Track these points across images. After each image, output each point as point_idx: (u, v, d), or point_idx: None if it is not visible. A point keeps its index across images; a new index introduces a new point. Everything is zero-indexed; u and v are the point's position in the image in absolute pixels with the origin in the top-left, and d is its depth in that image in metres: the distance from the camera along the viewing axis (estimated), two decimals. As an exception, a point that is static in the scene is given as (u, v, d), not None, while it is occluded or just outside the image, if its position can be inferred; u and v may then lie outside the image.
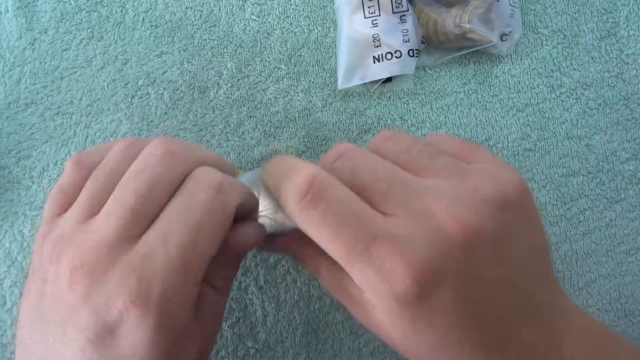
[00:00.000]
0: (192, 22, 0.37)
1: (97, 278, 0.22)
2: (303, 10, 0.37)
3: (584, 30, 0.37)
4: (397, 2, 0.35)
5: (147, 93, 0.36)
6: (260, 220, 0.27)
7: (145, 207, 0.23)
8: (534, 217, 0.25)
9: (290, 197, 0.23)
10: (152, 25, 0.37)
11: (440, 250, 0.22)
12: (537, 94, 0.37)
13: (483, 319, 0.23)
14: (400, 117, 0.37)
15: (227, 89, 0.37)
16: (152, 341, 0.22)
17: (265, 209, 0.27)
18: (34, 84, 0.36)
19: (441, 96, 0.37)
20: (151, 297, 0.21)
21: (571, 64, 0.37)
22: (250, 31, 0.37)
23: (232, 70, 0.37)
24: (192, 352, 0.24)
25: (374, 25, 0.35)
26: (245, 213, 0.26)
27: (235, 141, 0.36)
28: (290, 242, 0.27)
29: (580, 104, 0.37)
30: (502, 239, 0.23)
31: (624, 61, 0.37)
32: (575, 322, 0.26)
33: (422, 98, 0.37)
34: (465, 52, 0.36)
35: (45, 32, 0.36)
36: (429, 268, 0.21)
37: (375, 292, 0.22)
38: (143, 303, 0.21)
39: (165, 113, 0.36)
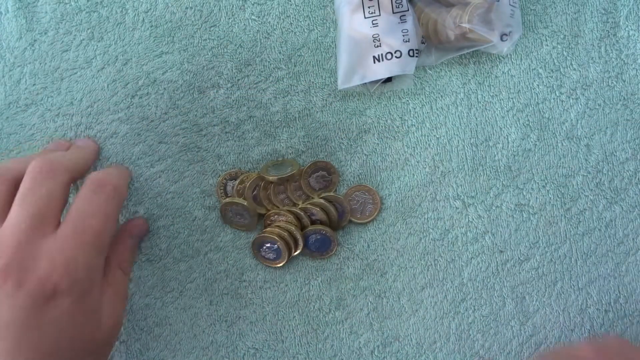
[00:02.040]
0: (192, 22, 0.37)
1: (26, 267, 0.26)
2: (303, 10, 0.37)
3: (584, 30, 0.37)
4: (397, 2, 0.35)
5: (147, 93, 0.36)
6: None
7: (49, 210, 0.28)
8: None
9: None
10: (152, 26, 0.37)
11: None
12: (537, 94, 0.37)
13: None
14: (400, 117, 0.37)
15: (227, 89, 0.37)
16: (77, 306, 0.27)
17: None
18: (34, 84, 0.36)
19: (441, 96, 0.37)
20: (77, 270, 0.27)
21: (571, 64, 0.37)
22: (250, 31, 0.37)
23: (232, 70, 0.37)
24: (107, 325, 0.30)
25: (374, 25, 0.35)
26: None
27: (235, 141, 0.36)
28: None
29: (580, 104, 0.36)
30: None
31: (624, 61, 0.36)
32: None
33: (422, 98, 0.37)
34: (465, 52, 0.36)
35: (45, 33, 0.36)
36: None
37: None
38: (71, 277, 0.27)
39: (166, 113, 0.36)
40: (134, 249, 0.35)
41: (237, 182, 0.36)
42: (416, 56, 0.36)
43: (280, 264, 0.35)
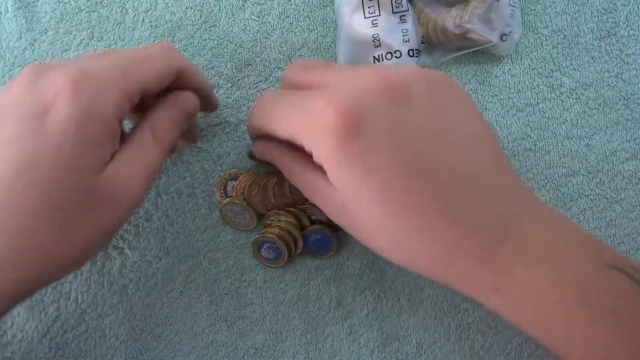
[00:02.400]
0: (192, 22, 0.37)
1: (42, 71, 0.25)
2: (303, 10, 0.37)
3: (584, 30, 0.37)
4: (397, 2, 0.35)
5: (147, 93, 0.36)
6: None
7: None
8: (467, 105, 0.27)
9: (254, 111, 0.30)
10: (152, 26, 0.37)
11: (361, 95, 0.25)
12: (537, 94, 0.37)
13: (422, 169, 0.25)
14: (400, 117, 0.37)
15: (227, 89, 0.37)
16: (77, 121, 0.24)
17: None
18: (34, 84, 0.36)
19: (441, 96, 0.37)
20: (88, 81, 0.25)
21: (571, 64, 0.37)
22: (250, 31, 0.37)
23: (232, 70, 0.37)
24: (117, 185, 0.26)
25: (374, 25, 0.35)
26: (189, 86, 0.31)
27: (234, 141, 0.36)
28: (265, 146, 0.31)
29: (580, 104, 0.36)
30: (432, 99, 0.26)
31: (624, 61, 0.36)
32: (534, 203, 0.27)
33: (422, 98, 0.37)
34: (465, 52, 0.36)
35: (45, 33, 0.36)
36: (353, 105, 0.24)
37: (314, 143, 0.25)
38: (78, 85, 0.24)
39: (165, 113, 0.36)
40: (175, 122, 0.30)
41: (237, 182, 0.36)
42: (416, 56, 0.36)
43: (281, 264, 0.35)
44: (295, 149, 0.28)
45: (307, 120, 0.25)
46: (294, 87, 0.29)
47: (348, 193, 0.25)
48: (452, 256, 0.25)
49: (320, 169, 0.26)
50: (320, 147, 0.25)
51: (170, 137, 0.29)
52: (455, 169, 0.25)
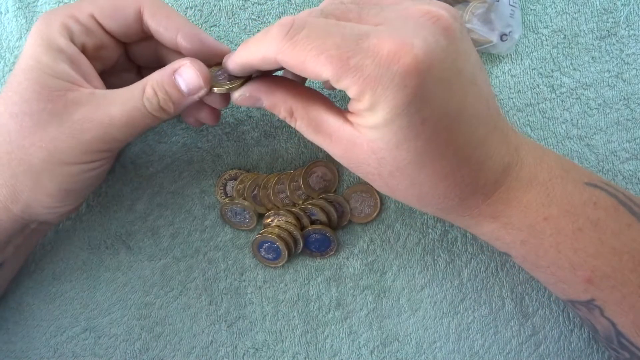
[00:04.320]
0: (192, 22, 0.37)
1: None
2: (303, 11, 0.37)
3: (584, 30, 0.37)
4: (397, 2, 0.35)
5: (147, 93, 0.36)
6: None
7: None
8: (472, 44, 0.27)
9: (276, 35, 0.24)
10: (152, 26, 0.37)
11: (427, 35, 0.23)
12: (537, 94, 0.37)
13: (465, 118, 0.25)
14: (400, 117, 0.37)
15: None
16: (30, 45, 0.27)
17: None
18: (34, 84, 0.36)
19: (441, 96, 0.37)
20: (45, 12, 0.29)
21: (571, 64, 0.37)
22: (250, 31, 0.37)
23: (231, 70, 0.37)
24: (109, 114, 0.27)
25: (374, 25, 0.35)
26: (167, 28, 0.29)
27: (234, 141, 0.36)
28: (260, 90, 0.28)
29: (580, 104, 0.36)
30: (464, 39, 0.25)
31: (624, 61, 0.36)
32: (521, 136, 0.29)
33: (422, 98, 0.37)
34: (465, 52, 0.36)
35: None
36: (423, 47, 0.22)
37: (375, 88, 0.22)
38: (40, 17, 0.28)
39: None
40: (176, 91, 0.28)
41: (237, 182, 0.36)
42: (416, 56, 0.36)
43: (280, 264, 0.35)
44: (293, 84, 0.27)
45: (374, 62, 0.22)
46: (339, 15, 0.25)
47: (393, 141, 0.24)
48: (465, 193, 0.27)
49: (328, 107, 0.26)
50: (386, 94, 0.22)
51: (164, 104, 0.28)
52: (480, 114, 0.26)
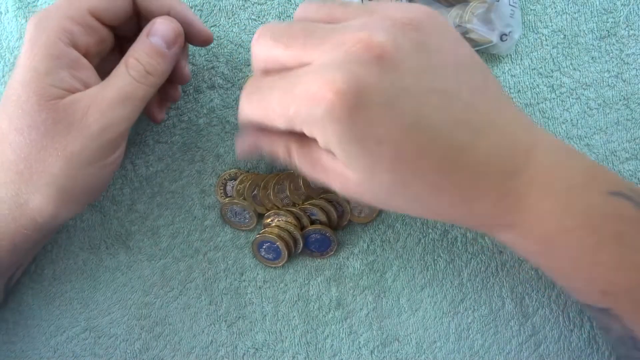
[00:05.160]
0: (192, 22, 0.37)
1: None
2: (303, 10, 0.37)
3: (584, 30, 0.37)
4: (397, 2, 0.35)
5: (147, 93, 0.36)
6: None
7: None
8: (454, 37, 0.27)
9: (241, 101, 0.27)
10: (152, 25, 0.37)
11: (353, 68, 0.23)
12: (537, 94, 0.37)
13: (427, 128, 0.24)
14: (400, 117, 0.37)
15: (227, 89, 0.37)
16: (27, 50, 0.27)
17: None
18: (34, 84, 0.36)
19: (441, 96, 0.37)
20: (39, 14, 0.28)
21: (571, 64, 0.37)
22: (250, 31, 0.37)
23: (232, 70, 0.37)
24: (89, 119, 0.28)
25: (374, 25, 0.35)
26: (161, 11, 0.30)
27: (234, 141, 0.36)
28: (257, 138, 0.29)
29: (580, 104, 0.36)
30: (421, 53, 0.25)
31: (624, 61, 0.36)
32: (540, 135, 0.27)
33: (422, 98, 0.37)
34: (465, 52, 0.36)
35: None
36: (348, 81, 0.23)
37: (316, 129, 0.24)
38: (33, 20, 0.28)
39: (166, 113, 0.36)
40: (152, 51, 0.29)
41: (237, 182, 0.36)
42: (416, 56, 0.36)
43: (280, 264, 0.35)
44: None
45: (304, 106, 0.24)
46: (273, 66, 0.27)
47: (363, 169, 0.25)
48: (469, 202, 0.26)
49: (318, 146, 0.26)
50: (326, 132, 0.24)
51: (150, 68, 0.29)
52: (458, 117, 0.25)
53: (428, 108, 0.24)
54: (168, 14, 0.30)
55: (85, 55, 0.29)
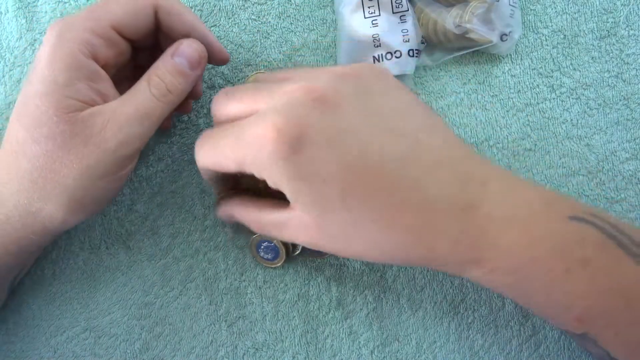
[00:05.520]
0: (192, 22, 0.37)
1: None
2: (303, 10, 0.37)
3: (584, 30, 0.37)
4: (397, 2, 0.35)
5: (147, 93, 0.36)
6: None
7: None
8: (396, 84, 0.28)
9: (196, 149, 0.29)
10: (152, 26, 0.37)
11: (293, 110, 0.25)
12: (537, 94, 0.37)
13: (373, 165, 0.25)
14: (400, 117, 0.37)
15: (227, 89, 0.37)
16: (46, 60, 0.27)
17: None
18: (34, 84, 0.36)
19: (441, 96, 0.37)
20: (59, 24, 0.28)
21: (571, 64, 0.37)
22: (250, 31, 0.37)
23: (231, 70, 0.37)
24: (108, 132, 0.28)
25: (374, 25, 0.35)
26: (180, 28, 0.31)
27: (235, 141, 0.36)
28: (230, 212, 0.31)
29: (580, 104, 0.36)
30: (363, 96, 0.26)
31: (624, 61, 0.36)
32: (492, 169, 0.28)
33: (422, 98, 0.37)
34: (465, 52, 0.36)
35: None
36: (288, 122, 0.25)
37: (264, 169, 0.25)
38: (53, 29, 0.28)
39: (165, 113, 0.36)
40: (175, 71, 0.30)
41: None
42: (416, 56, 0.36)
43: (279, 264, 0.35)
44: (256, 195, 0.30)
45: (251, 149, 0.25)
46: (229, 120, 0.28)
47: (314, 207, 0.26)
48: (426, 241, 0.26)
49: (284, 204, 0.27)
50: (272, 172, 0.25)
51: (171, 87, 0.30)
52: (405, 155, 0.25)
53: (374, 146, 0.25)
54: (189, 33, 0.30)
55: (104, 67, 0.29)
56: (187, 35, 0.30)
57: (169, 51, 0.30)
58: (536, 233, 0.26)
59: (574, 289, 0.26)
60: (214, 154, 0.28)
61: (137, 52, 0.32)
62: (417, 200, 0.25)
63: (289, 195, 0.26)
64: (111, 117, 0.28)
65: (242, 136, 0.26)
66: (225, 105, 0.28)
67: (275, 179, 0.25)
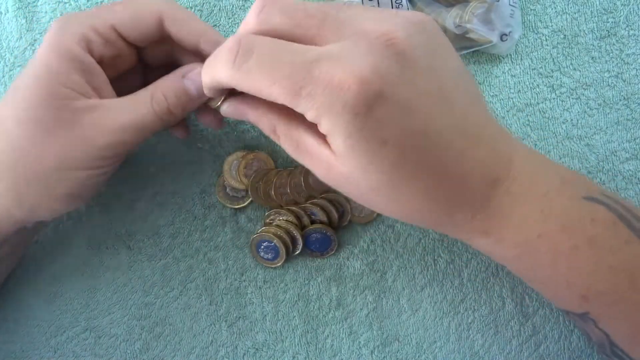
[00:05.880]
0: (192, 22, 0.37)
1: None
2: (303, 10, 0.37)
3: (584, 30, 0.37)
4: (397, 2, 0.35)
5: (147, 93, 0.36)
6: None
7: None
8: (449, 43, 0.27)
9: (225, 62, 0.24)
10: (152, 26, 0.37)
11: (376, 60, 0.23)
12: (537, 94, 0.37)
13: (432, 134, 0.24)
14: (400, 117, 0.37)
15: (227, 89, 0.37)
16: (45, 50, 0.27)
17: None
18: (34, 84, 0.36)
19: (441, 96, 0.37)
20: (61, 19, 0.28)
21: (571, 64, 0.37)
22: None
23: (232, 70, 0.37)
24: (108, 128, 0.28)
25: (374, 25, 0.35)
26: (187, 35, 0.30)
27: (234, 141, 0.36)
28: (244, 103, 0.28)
29: (580, 104, 0.36)
30: (429, 55, 0.24)
31: (624, 61, 0.36)
32: (519, 146, 0.28)
33: (422, 98, 0.37)
34: (465, 52, 0.36)
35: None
36: (371, 73, 0.22)
37: (328, 116, 0.23)
38: (55, 23, 0.28)
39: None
40: (180, 91, 0.29)
41: (240, 162, 0.36)
42: (416, 56, 0.36)
43: (279, 264, 0.35)
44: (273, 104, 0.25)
45: (324, 92, 0.23)
46: (274, 35, 0.24)
47: (356, 166, 0.24)
48: (451, 209, 0.26)
49: (309, 125, 0.25)
50: (337, 122, 0.23)
51: (173, 107, 0.29)
52: (455, 125, 0.25)
53: (434, 114, 0.24)
54: (199, 42, 0.30)
55: (99, 64, 0.29)
56: (196, 44, 0.30)
57: (180, 71, 0.29)
58: (548, 210, 0.26)
59: (579, 265, 0.26)
60: (258, 77, 0.24)
61: (147, 63, 0.32)
62: (455, 172, 0.25)
63: (337, 148, 0.24)
64: (106, 118, 0.28)
65: (312, 71, 0.23)
66: (273, 14, 0.24)
67: (333, 129, 0.23)
